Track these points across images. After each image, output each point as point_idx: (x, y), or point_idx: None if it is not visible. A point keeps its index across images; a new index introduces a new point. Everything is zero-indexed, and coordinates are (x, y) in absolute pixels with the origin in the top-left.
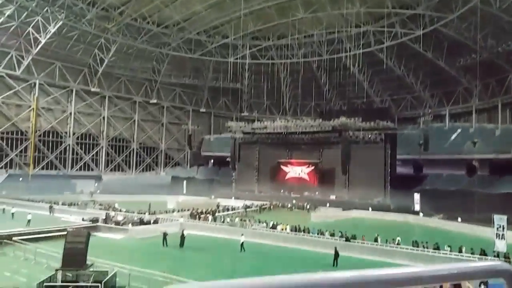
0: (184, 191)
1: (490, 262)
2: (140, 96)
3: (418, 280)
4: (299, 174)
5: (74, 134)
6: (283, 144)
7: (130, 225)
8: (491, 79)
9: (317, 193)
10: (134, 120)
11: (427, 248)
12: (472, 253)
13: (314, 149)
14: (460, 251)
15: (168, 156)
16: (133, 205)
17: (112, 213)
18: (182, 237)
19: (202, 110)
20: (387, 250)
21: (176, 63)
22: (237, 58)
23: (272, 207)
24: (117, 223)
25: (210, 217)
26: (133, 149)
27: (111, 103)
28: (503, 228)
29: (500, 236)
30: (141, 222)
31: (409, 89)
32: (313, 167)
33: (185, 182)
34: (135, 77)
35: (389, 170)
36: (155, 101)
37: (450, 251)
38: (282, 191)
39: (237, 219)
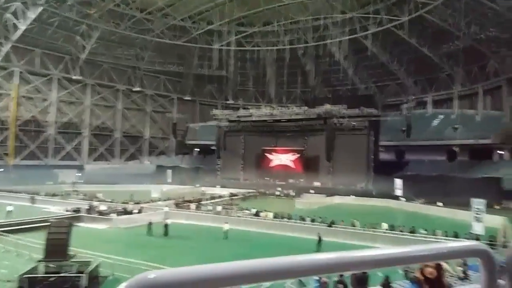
0: (169, 180)
1: (467, 243)
2: (123, 84)
3: (399, 260)
4: (284, 161)
5: (56, 123)
6: (269, 132)
7: (113, 214)
8: (473, 65)
9: (301, 180)
10: (118, 109)
11: (402, 231)
12: (446, 236)
13: (299, 136)
14: (434, 234)
15: (152, 145)
16: (117, 195)
17: (95, 203)
18: (166, 226)
19: (187, 98)
20: (369, 234)
21: (160, 50)
22: (222, 45)
23: (257, 194)
24: (101, 213)
25: (192, 205)
26: (117, 138)
27: (94, 91)
28: (481, 212)
29: (478, 219)
30: (125, 212)
31: (393, 76)
32: (298, 155)
33: (169, 171)
34: (118, 64)
35: (372, 156)
36: (138, 89)
37: (426, 234)
38: (267, 178)
39: (219, 207)
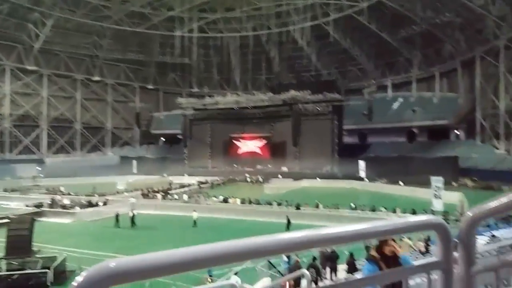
0: (135, 171)
1: (423, 217)
2: (81, 74)
3: (359, 236)
4: (251, 148)
5: (11, 116)
6: (235, 119)
7: (78, 208)
8: (429, 49)
9: (269, 165)
10: (77, 99)
11: (362, 210)
12: (404, 212)
13: (265, 123)
14: (394, 211)
15: (115, 135)
16: (81, 188)
17: (58, 197)
18: (132, 217)
19: (150, 86)
20: (334, 215)
21: (119, 37)
22: (184, 32)
23: (226, 182)
24: (64, 207)
25: (159, 195)
26: (77, 130)
27: (51, 82)
28: (440, 189)
29: (437, 196)
30: (90, 205)
31: (354, 61)
32: (265, 141)
33: (135, 161)
34: (75, 53)
35: (337, 140)
36: (98, 78)
37: (387, 212)
38: (235, 165)
39: (185, 196)
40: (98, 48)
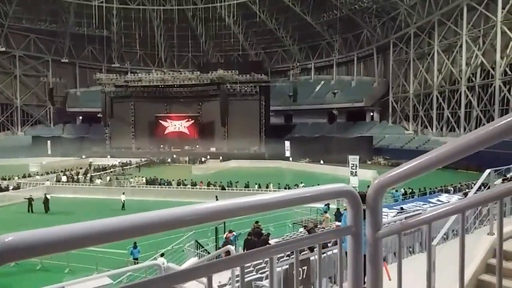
0: (49, 152)
1: (334, 185)
2: None
3: (273, 205)
4: (178, 128)
5: None
6: (161, 98)
7: None
8: (349, 34)
9: (197, 146)
10: None
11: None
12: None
13: (193, 102)
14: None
15: (25, 113)
16: None
17: None
18: (46, 201)
19: (64, 60)
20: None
21: (28, 4)
22: (102, 2)
23: (152, 163)
24: None
25: (80, 178)
26: None
27: None
28: (356, 167)
29: (354, 173)
30: None
31: (280, 43)
32: (192, 121)
33: (49, 142)
34: None
35: (264, 120)
36: (3, 49)
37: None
38: (161, 146)
39: (108, 178)
40: (2, 16)
